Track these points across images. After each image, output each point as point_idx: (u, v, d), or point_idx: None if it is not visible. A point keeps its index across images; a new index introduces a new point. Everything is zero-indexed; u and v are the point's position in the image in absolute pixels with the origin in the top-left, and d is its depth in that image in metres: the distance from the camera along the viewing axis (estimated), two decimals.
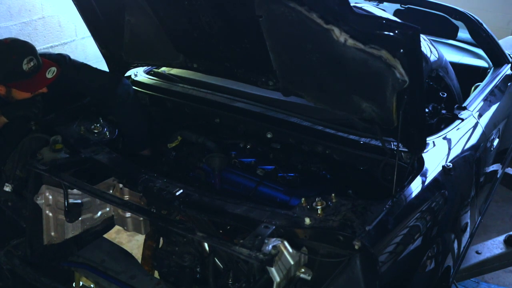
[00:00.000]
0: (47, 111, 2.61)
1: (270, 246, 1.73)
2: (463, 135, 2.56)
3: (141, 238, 2.76)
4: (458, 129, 2.56)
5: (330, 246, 1.78)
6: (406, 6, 3.58)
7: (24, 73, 2.37)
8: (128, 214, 2.25)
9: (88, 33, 2.75)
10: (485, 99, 2.99)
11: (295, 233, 1.82)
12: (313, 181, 2.46)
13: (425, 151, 2.18)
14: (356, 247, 1.69)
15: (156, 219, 2.13)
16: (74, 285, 2.48)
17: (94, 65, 2.76)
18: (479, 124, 2.74)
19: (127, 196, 2.21)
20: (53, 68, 2.47)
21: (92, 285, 2.36)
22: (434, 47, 2.88)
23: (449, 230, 2.31)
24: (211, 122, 2.72)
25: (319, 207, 1.86)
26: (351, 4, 1.77)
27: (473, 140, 2.63)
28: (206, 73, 2.67)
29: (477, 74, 3.51)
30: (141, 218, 2.24)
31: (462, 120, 2.63)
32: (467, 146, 2.55)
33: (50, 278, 2.37)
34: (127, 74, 2.98)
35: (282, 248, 1.77)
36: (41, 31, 4.24)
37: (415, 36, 1.68)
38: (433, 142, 2.35)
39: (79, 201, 2.29)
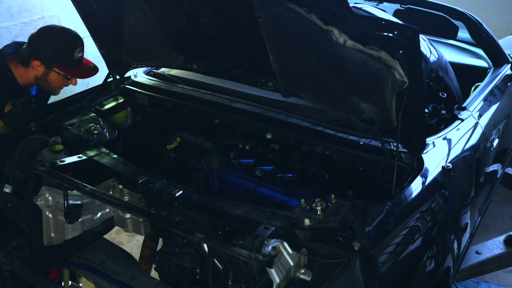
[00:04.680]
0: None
1: (270, 247, 1.73)
2: (463, 136, 2.56)
3: (141, 238, 2.77)
4: (458, 129, 2.56)
5: (330, 247, 1.77)
6: (406, 6, 3.58)
7: (73, 60, 2.61)
8: (128, 215, 2.25)
9: (88, 33, 2.75)
10: (485, 99, 2.99)
11: (295, 234, 1.82)
12: (312, 181, 2.46)
13: (425, 151, 2.18)
14: (356, 248, 1.69)
15: (155, 220, 2.13)
16: (63, 284, 2.49)
17: None
18: (479, 124, 2.74)
19: (126, 197, 2.21)
20: (93, 65, 2.71)
21: (81, 285, 2.36)
22: (434, 47, 2.88)
23: (449, 230, 2.31)
24: (211, 122, 2.72)
25: (318, 208, 1.86)
26: (351, 5, 1.77)
27: (473, 140, 2.63)
28: (205, 74, 2.67)
29: (477, 74, 3.51)
30: (141, 219, 2.24)
31: (462, 120, 2.63)
32: (467, 146, 2.55)
33: (50, 279, 2.37)
34: (126, 74, 2.98)
35: (282, 249, 1.77)
36: None
37: (414, 37, 1.68)
38: (433, 142, 2.35)
39: (79, 202, 2.28)
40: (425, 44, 2.78)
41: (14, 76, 2.59)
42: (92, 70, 2.72)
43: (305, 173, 2.49)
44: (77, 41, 2.63)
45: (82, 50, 2.65)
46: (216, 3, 2.15)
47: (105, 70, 2.89)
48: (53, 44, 2.57)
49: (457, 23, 3.53)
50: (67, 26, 2.82)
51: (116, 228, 2.48)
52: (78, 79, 2.73)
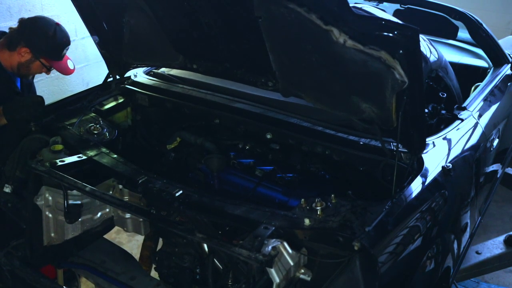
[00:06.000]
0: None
1: (270, 247, 1.73)
2: (463, 136, 2.56)
3: (141, 238, 2.77)
4: (458, 129, 2.56)
5: (330, 247, 1.77)
6: (406, 6, 3.58)
7: (60, 56, 2.86)
8: (128, 215, 2.25)
9: (88, 33, 2.75)
10: (485, 99, 2.99)
11: (295, 234, 1.81)
12: (312, 181, 2.46)
13: (424, 151, 2.17)
14: (356, 248, 1.69)
15: (155, 220, 2.13)
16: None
17: (94, 65, 2.79)
18: (479, 124, 2.74)
19: (126, 197, 2.20)
20: (72, 63, 2.95)
21: None
22: (434, 47, 2.88)
23: (449, 230, 2.31)
24: (211, 122, 2.72)
25: (318, 207, 1.86)
26: (351, 5, 1.77)
27: (473, 140, 2.63)
28: (205, 73, 2.67)
29: (477, 74, 3.51)
30: (141, 219, 2.24)
31: (462, 120, 2.63)
32: (467, 146, 2.55)
33: (50, 279, 2.37)
34: (126, 74, 2.98)
35: (282, 249, 1.77)
36: None
37: (414, 37, 1.68)
38: (433, 142, 2.35)
39: (79, 202, 2.28)
40: (425, 44, 2.78)
41: None
42: (72, 66, 2.98)
43: (305, 173, 2.49)
44: (68, 40, 2.89)
45: (68, 48, 2.91)
46: (216, 3, 2.15)
47: (105, 70, 2.89)
48: (49, 39, 2.74)
49: (457, 23, 3.53)
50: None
51: (116, 228, 2.48)
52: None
